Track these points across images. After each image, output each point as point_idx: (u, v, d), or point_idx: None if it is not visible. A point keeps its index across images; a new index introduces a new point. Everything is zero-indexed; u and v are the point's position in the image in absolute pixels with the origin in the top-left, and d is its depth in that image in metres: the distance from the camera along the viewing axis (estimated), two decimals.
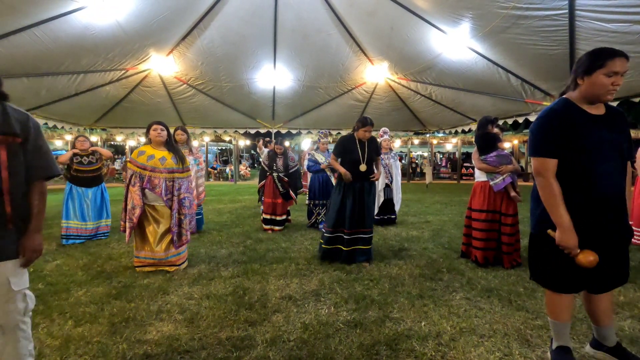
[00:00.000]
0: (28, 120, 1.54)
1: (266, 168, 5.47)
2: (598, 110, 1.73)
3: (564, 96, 1.80)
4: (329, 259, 3.65)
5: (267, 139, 6.56)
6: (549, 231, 1.73)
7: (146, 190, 3.39)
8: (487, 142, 3.58)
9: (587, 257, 1.63)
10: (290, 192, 5.48)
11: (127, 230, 3.36)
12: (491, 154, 3.53)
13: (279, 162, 5.45)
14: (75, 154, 4.70)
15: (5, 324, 1.46)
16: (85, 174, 4.79)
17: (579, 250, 1.66)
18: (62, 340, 2.15)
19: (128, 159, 3.56)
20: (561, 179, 1.71)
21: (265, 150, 5.78)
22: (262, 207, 5.58)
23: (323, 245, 3.70)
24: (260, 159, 5.78)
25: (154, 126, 3.50)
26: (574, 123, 1.67)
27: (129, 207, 3.36)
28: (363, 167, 3.61)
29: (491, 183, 3.51)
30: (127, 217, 3.36)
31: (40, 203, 1.57)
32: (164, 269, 3.45)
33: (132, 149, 22.83)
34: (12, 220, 1.46)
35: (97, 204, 4.91)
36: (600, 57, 1.62)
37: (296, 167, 5.69)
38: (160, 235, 3.42)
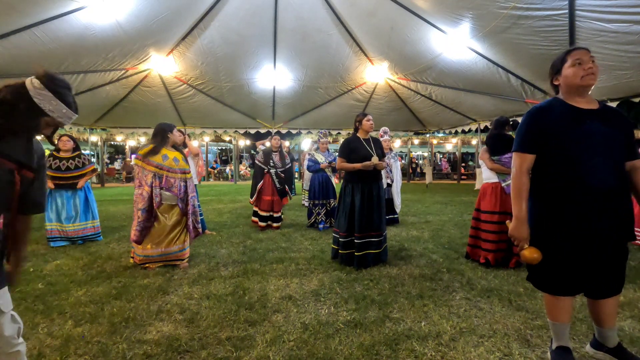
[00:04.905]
0: (43, 155, 1.44)
1: (262, 165, 5.46)
2: (589, 104, 1.73)
3: (554, 96, 1.84)
4: (345, 263, 3.59)
5: (270, 137, 6.55)
6: (507, 222, 1.84)
7: (162, 190, 3.42)
8: (503, 142, 3.54)
9: (532, 254, 1.66)
10: (286, 187, 5.53)
11: (137, 231, 3.39)
12: (506, 155, 3.49)
13: (276, 157, 5.50)
14: (54, 158, 4.36)
15: (1, 350, 1.34)
16: (66, 180, 4.42)
17: (526, 245, 1.71)
18: (62, 340, 2.15)
19: (139, 158, 3.46)
20: (548, 174, 1.73)
21: (261, 148, 5.79)
22: (255, 207, 5.58)
23: (340, 251, 3.63)
24: (255, 160, 5.78)
25: (176, 128, 3.66)
26: (558, 117, 1.70)
27: (142, 207, 3.37)
28: (375, 159, 3.53)
29: (503, 184, 3.49)
30: (144, 218, 3.38)
31: (28, 235, 1.51)
32: (170, 264, 3.51)
33: (132, 149, 22.60)
34: (9, 251, 1.38)
35: (81, 205, 4.58)
36: (561, 56, 1.77)
37: (290, 165, 5.72)
38: (168, 231, 3.49)
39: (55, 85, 1.30)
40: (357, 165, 3.51)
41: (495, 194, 3.55)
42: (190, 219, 3.54)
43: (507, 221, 1.83)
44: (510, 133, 3.60)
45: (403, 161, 20.22)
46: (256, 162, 5.66)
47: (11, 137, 1.29)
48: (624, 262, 1.75)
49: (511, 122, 3.63)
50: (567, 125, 1.68)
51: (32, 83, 1.27)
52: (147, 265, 3.48)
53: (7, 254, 1.39)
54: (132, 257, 3.60)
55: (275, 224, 5.44)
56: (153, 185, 3.38)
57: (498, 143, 3.57)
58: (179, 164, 3.52)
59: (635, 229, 4.39)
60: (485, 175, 3.72)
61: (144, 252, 3.45)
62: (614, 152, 1.66)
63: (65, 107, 1.32)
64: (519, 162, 1.79)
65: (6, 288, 1.39)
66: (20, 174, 1.31)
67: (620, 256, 1.73)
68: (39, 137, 1.45)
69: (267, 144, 5.98)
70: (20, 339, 1.42)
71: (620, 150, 1.69)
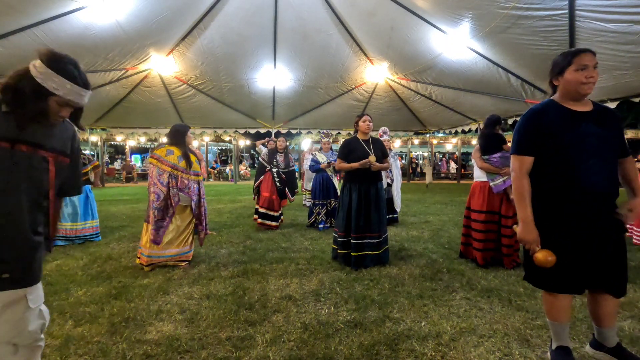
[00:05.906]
0: (75, 136, 1.49)
1: (266, 164, 5.52)
2: (584, 107, 1.74)
3: (550, 97, 1.84)
4: (344, 263, 3.59)
5: (267, 138, 6.60)
6: (514, 226, 1.81)
7: (179, 191, 3.43)
8: (493, 142, 3.55)
9: (546, 257, 1.62)
10: (286, 190, 5.54)
11: (154, 231, 3.35)
12: (495, 155, 3.50)
13: (280, 158, 5.54)
14: None
15: (20, 342, 1.31)
16: None
17: (538, 248, 1.68)
18: (62, 340, 2.15)
19: (155, 157, 3.44)
20: (545, 175, 1.73)
21: (264, 149, 5.81)
22: (256, 205, 5.60)
23: (339, 250, 3.63)
24: (259, 157, 5.84)
25: (190, 130, 3.72)
26: (554, 119, 1.71)
27: (157, 206, 3.33)
28: (372, 158, 3.52)
29: (491, 184, 3.50)
30: (159, 217, 3.36)
31: (59, 216, 1.59)
32: (175, 264, 3.52)
33: (132, 149, 22.50)
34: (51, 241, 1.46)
35: (81, 205, 4.60)
36: (567, 57, 1.72)
37: (294, 167, 5.75)
38: (181, 232, 3.52)
39: (57, 62, 1.25)
40: (355, 165, 3.51)
41: (483, 194, 3.56)
42: (204, 222, 3.64)
43: (514, 225, 1.80)
44: (508, 134, 3.60)
45: (403, 161, 20.22)
46: (260, 159, 5.72)
47: (35, 125, 1.28)
48: (625, 259, 1.75)
49: (507, 122, 3.62)
50: (563, 128, 1.70)
51: (34, 64, 1.24)
52: (154, 266, 3.45)
53: (48, 243, 1.49)
54: (138, 258, 3.52)
55: (274, 223, 5.44)
56: (170, 185, 3.38)
57: (488, 142, 3.57)
58: (193, 166, 3.54)
59: (635, 229, 4.42)
60: (476, 174, 3.73)
61: (151, 252, 3.41)
62: (609, 153, 1.69)
63: (68, 82, 1.25)
64: (518, 165, 1.78)
65: (40, 283, 1.42)
66: (56, 161, 1.36)
67: (621, 254, 1.73)
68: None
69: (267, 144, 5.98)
70: (42, 336, 1.39)
71: (615, 150, 1.71)
